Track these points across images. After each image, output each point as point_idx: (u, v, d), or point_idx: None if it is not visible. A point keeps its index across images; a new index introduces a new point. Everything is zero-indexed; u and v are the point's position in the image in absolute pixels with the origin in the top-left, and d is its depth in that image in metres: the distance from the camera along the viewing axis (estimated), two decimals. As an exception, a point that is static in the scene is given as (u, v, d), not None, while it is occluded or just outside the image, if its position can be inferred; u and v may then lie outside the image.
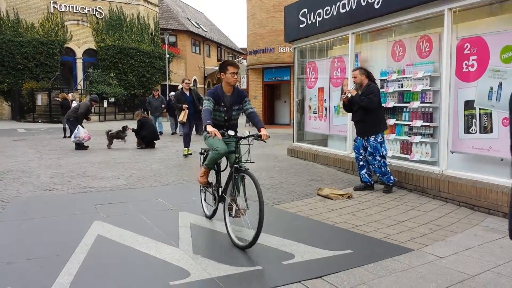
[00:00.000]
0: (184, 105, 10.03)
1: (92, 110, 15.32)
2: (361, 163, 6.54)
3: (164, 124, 17.84)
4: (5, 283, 3.20)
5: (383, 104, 6.71)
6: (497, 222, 4.82)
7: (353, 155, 7.88)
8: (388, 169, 6.36)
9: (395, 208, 5.54)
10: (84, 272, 3.43)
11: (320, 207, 5.58)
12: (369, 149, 6.30)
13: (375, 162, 6.28)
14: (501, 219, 4.92)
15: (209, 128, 4.07)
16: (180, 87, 11.21)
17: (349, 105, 6.54)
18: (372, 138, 6.26)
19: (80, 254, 3.81)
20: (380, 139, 6.26)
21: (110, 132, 12.30)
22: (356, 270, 3.49)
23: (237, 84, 4.64)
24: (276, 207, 5.59)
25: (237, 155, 4.35)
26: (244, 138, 4.25)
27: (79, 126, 11.64)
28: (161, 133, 15.70)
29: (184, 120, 10.07)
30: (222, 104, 4.50)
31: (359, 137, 6.52)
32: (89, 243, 4.11)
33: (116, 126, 13.81)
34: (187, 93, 10.46)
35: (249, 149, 4.20)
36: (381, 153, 6.24)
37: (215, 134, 4.01)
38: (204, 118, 4.23)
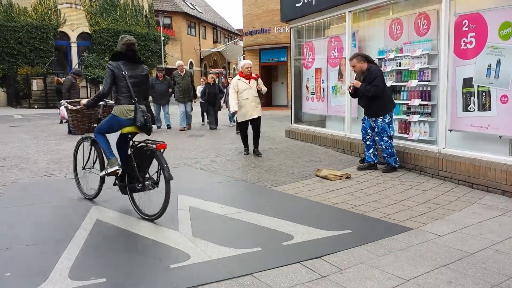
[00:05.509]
0: None
1: (79, 85, 13.08)
2: (368, 142, 6.53)
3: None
4: (5, 269, 3.20)
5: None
6: (495, 200, 4.84)
7: (353, 135, 7.90)
8: (395, 150, 6.36)
9: (393, 187, 5.55)
10: (83, 257, 3.43)
11: (319, 188, 5.58)
12: (376, 129, 6.30)
13: (382, 143, 6.27)
14: (499, 197, 4.94)
15: None
16: None
17: (354, 93, 6.54)
18: (380, 119, 6.25)
19: (79, 239, 3.80)
20: (388, 119, 6.25)
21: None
22: (355, 250, 3.50)
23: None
24: (275, 189, 5.59)
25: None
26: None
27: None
28: (169, 126, 12.92)
29: None
30: None
31: (367, 118, 6.49)
32: (88, 228, 4.10)
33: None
34: None
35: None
36: (388, 134, 6.24)
37: None
38: None
